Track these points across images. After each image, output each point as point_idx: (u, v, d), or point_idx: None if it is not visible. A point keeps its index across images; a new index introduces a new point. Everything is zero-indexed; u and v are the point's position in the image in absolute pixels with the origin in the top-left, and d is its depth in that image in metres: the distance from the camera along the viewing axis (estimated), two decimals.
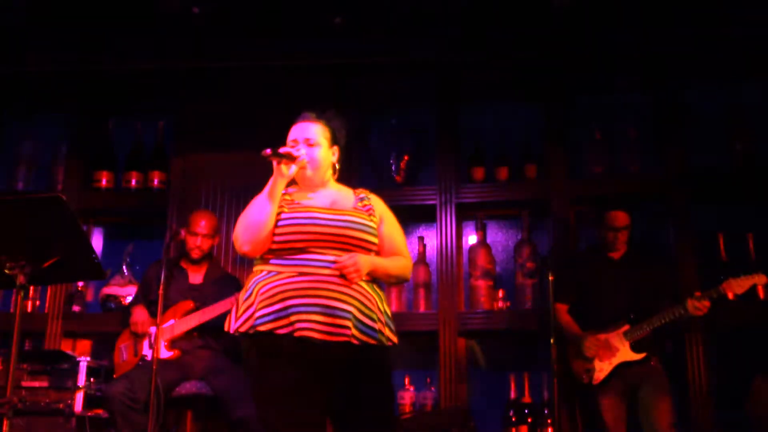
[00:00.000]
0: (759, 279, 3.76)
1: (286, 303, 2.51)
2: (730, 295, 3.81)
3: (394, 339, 2.68)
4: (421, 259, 4.76)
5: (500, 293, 4.64)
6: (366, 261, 2.61)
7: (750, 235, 4.43)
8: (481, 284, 4.65)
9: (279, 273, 2.57)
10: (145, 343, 3.99)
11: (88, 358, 3.99)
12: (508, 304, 4.64)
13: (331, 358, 2.52)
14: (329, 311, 2.51)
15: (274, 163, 2.64)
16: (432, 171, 4.84)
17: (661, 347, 3.99)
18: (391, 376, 2.70)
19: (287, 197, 2.74)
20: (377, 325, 2.59)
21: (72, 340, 4.81)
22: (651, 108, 4.86)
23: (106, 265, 3.13)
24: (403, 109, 5.16)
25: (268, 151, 2.59)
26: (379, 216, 2.79)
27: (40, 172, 5.12)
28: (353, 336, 2.52)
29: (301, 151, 2.71)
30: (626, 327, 3.84)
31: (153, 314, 3.95)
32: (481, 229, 4.80)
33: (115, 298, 4.72)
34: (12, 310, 4.62)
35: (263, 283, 2.57)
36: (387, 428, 2.64)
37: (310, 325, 2.49)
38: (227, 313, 3.88)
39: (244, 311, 2.57)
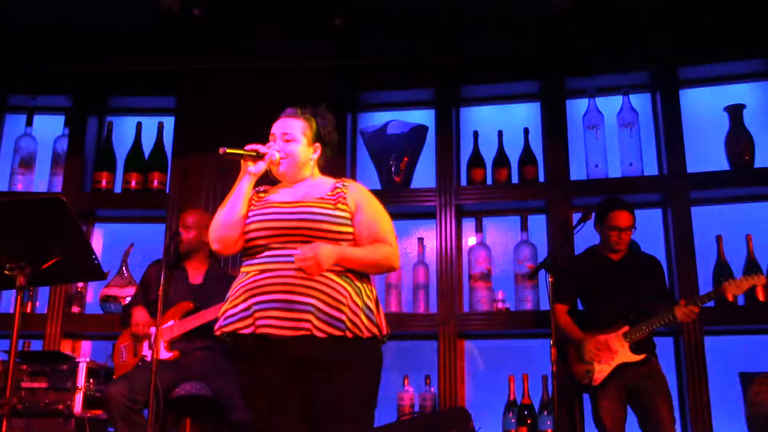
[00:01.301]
0: (758, 280, 3.75)
1: (249, 302, 2.50)
2: (730, 297, 3.81)
3: (375, 330, 2.53)
4: (420, 261, 4.77)
5: (500, 294, 4.64)
6: (328, 252, 2.47)
7: (750, 237, 4.43)
8: (481, 285, 4.66)
9: (247, 273, 2.57)
10: (145, 343, 3.99)
11: (88, 359, 3.99)
12: (508, 305, 4.64)
13: (297, 353, 2.47)
14: (288, 306, 2.45)
15: (241, 161, 2.64)
16: (432, 172, 4.85)
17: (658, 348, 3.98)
18: (369, 368, 2.55)
19: (262, 195, 2.73)
20: (344, 316, 2.46)
21: (71, 340, 4.81)
22: (651, 109, 4.86)
23: (105, 266, 3.14)
24: (403, 109, 5.16)
25: (223, 149, 2.58)
26: (354, 203, 2.64)
27: (39, 173, 5.12)
28: (315, 328, 2.43)
29: (273, 148, 2.67)
30: (626, 328, 3.84)
31: (153, 315, 3.95)
32: (481, 231, 4.80)
33: (114, 298, 4.72)
34: (12, 310, 4.62)
35: (234, 285, 2.59)
36: (355, 422, 2.49)
37: (269, 322, 2.45)
38: None
39: (221, 315, 2.59)
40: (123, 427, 3.63)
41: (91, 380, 3.95)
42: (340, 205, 2.62)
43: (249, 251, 2.60)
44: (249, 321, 2.49)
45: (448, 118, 4.90)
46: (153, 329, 3.94)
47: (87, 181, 5.01)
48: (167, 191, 4.95)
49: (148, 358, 3.88)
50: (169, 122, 5.15)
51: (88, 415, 3.87)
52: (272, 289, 2.48)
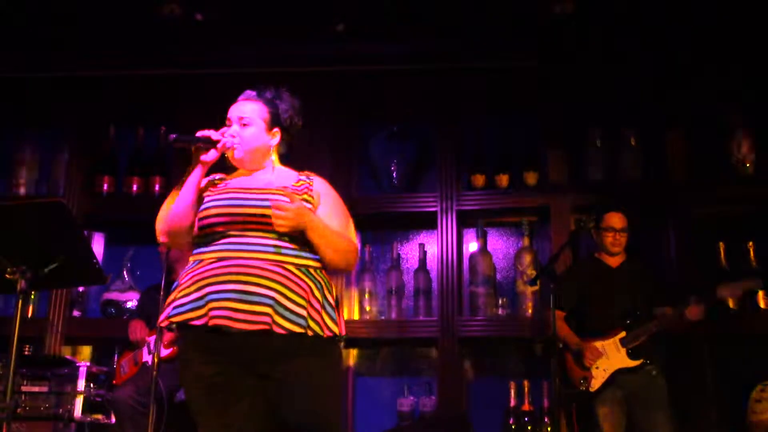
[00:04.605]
0: (756, 284, 3.75)
1: (204, 291, 2.32)
2: (730, 302, 3.80)
3: (336, 329, 2.38)
4: (421, 266, 4.76)
5: (501, 301, 4.64)
6: (305, 210, 2.40)
7: (751, 244, 4.43)
8: (482, 291, 4.65)
9: (201, 261, 2.40)
10: (144, 350, 4.00)
11: (88, 363, 4.00)
12: (509, 311, 4.63)
13: (253, 349, 2.30)
14: (246, 297, 2.28)
15: (192, 149, 2.50)
16: (433, 178, 4.84)
17: (658, 355, 3.97)
18: (331, 369, 2.41)
19: (218, 181, 2.58)
20: (305, 312, 2.30)
21: (72, 345, 4.81)
22: (652, 114, 4.86)
23: (106, 270, 3.15)
24: (404, 115, 5.16)
25: (173, 136, 2.48)
26: (318, 195, 2.54)
27: (41, 177, 5.12)
28: (274, 323, 2.27)
29: (228, 134, 2.53)
30: (622, 334, 3.84)
31: (151, 327, 3.98)
32: (482, 237, 4.79)
33: (115, 303, 4.72)
34: (12, 314, 4.62)
35: (184, 274, 2.42)
36: (316, 425, 2.33)
37: (225, 313, 2.27)
38: None
39: (167, 305, 2.40)
40: (131, 428, 3.64)
41: (92, 384, 3.95)
42: (306, 196, 2.50)
43: (204, 239, 2.44)
44: (202, 311, 2.30)
45: (450, 123, 4.90)
46: (151, 338, 3.96)
47: (88, 185, 5.01)
48: (168, 196, 4.94)
49: (150, 363, 3.89)
50: (170, 127, 5.15)
51: (88, 419, 3.87)
52: (229, 278, 2.31)
